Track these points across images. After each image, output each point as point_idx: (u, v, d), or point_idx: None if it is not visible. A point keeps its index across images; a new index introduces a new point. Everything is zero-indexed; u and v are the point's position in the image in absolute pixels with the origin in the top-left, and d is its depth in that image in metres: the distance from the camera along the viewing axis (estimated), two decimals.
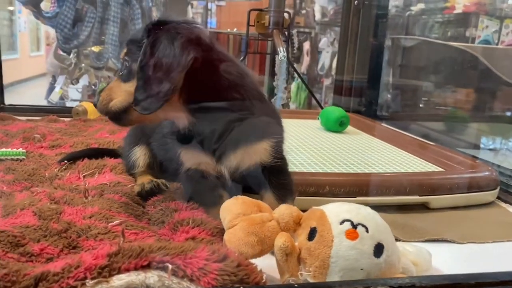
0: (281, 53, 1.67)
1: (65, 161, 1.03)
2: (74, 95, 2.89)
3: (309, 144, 1.43)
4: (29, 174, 0.94)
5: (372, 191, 1.01)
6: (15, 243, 0.67)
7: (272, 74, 2.18)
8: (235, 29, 2.31)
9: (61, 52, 2.45)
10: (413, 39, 2.25)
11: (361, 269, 0.60)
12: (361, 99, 2.11)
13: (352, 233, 0.62)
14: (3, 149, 1.03)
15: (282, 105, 2.20)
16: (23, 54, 8.32)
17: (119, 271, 0.58)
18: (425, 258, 0.72)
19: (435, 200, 1.04)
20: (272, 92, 2.21)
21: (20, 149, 1.06)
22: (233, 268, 0.60)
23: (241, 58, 1.95)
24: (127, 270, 0.58)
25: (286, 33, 1.93)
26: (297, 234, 0.67)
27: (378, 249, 0.62)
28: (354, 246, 0.61)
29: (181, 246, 0.61)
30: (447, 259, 0.81)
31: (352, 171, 1.15)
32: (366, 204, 0.92)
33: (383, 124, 1.75)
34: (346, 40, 2.02)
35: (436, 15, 3.46)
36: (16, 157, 1.04)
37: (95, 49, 2.18)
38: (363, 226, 0.63)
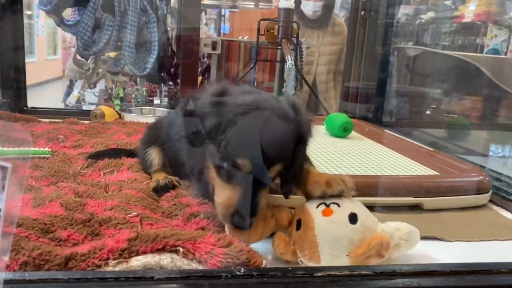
0: (289, 61, 1.76)
1: (90, 159, 1.14)
2: (90, 98, 3.01)
3: (314, 148, 1.51)
4: (54, 171, 1.04)
5: (368, 192, 1.09)
6: (45, 230, 0.76)
7: (282, 81, 2.26)
8: (246, 37, 2.40)
9: (80, 58, 2.56)
10: (415, 48, 2.31)
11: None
12: (368, 106, 2.18)
13: (327, 211, 0.74)
14: (31, 148, 1.12)
15: None
16: (40, 58, 8.55)
17: (137, 253, 0.67)
18: (407, 226, 0.80)
19: (428, 201, 1.11)
20: None
21: (46, 148, 1.15)
22: (236, 252, 0.68)
23: (251, 65, 2.04)
24: (144, 252, 0.67)
25: (295, 42, 2.01)
26: (290, 231, 0.78)
27: (352, 218, 0.73)
28: (331, 219, 0.73)
29: (191, 234, 0.70)
30: (434, 254, 0.88)
31: (352, 173, 1.22)
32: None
33: (386, 131, 1.82)
34: (353, 48, 2.10)
35: (445, 24, 3.51)
36: (43, 155, 1.13)
37: (112, 54, 2.29)
38: (335, 203, 0.74)
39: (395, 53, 2.22)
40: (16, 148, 1.09)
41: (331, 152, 1.47)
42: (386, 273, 0.66)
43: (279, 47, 2.02)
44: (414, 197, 1.11)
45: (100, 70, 2.61)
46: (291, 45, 1.91)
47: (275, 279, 0.63)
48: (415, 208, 1.12)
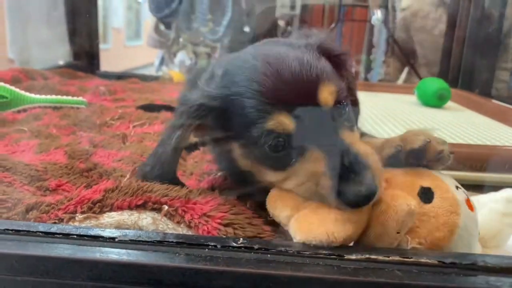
0: (375, 15, 1.49)
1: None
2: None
3: (399, 119, 1.24)
4: (80, 120, 0.94)
5: (475, 165, 0.81)
6: (36, 177, 0.65)
7: (370, 46, 1.98)
8: None
9: (162, 27, 2.50)
10: None
11: None
12: (473, 75, 1.83)
13: (470, 203, 0.50)
14: (64, 97, 1.04)
15: (379, 80, 2.00)
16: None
17: (112, 208, 0.51)
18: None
19: None
20: (368, 66, 2.02)
21: (80, 98, 1.06)
22: (242, 220, 0.50)
23: (332, 26, 1.79)
24: (120, 208, 0.51)
25: None
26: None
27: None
28: (474, 217, 0.49)
29: (185, 190, 0.53)
30: None
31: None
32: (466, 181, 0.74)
33: (496, 101, 1.47)
34: (457, 4, 1.75)
35: None
36: (76, 105, 1.04)
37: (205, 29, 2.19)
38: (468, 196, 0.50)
39: None
40: (49, 96, 1.01)
41: (420, 123, 1.19)
42: (459, 265, 0.42)
43: (366, 4, 1.75)
44: None
45: (181, 40, 2.55)
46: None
47: (283, 257, 0.43)
48: None
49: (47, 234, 0.44)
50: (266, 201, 0.50)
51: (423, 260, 0.43)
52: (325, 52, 0.53)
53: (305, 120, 0.47)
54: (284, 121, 0.47)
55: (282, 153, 0.48)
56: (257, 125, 0.47)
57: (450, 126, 1.17)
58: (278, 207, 0.49)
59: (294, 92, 0.47)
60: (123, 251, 0.42)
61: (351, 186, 0.43)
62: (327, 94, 0.48)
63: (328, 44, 0.54)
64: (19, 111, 0.98)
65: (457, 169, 0.80)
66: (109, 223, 0.50)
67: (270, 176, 0.50)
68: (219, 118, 0.51)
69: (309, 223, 0.44)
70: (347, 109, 0.50)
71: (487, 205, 0.58)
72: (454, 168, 0.76)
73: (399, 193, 0.47)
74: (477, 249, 0.52)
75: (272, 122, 0.46)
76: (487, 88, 1.78)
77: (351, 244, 0.46)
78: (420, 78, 1.71)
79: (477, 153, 0.86)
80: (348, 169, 0.44)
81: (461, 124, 1.19)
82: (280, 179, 0.50)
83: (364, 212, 0.45)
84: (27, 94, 0.99)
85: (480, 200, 0.60)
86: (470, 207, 0.49)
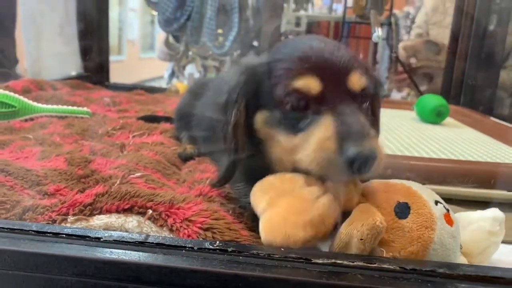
0: (376, 33, 1.52)
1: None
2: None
3: (396, 134, 1.26)
4: (83, 129, 0.98)
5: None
6: (36, 182, 0.69)
7: (374, 62, 2.02)
8: (334, 10, 2.19)
9: (172, 41, 2.57)
10: None
11: None
12: (474, 93, 1.84)
13: (449, 218, 0.51)
14: (69, 107, 1.08)
15: (383, 96, 2.03)
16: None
17: (101, 212, 0.55)
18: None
19: None
20: None
21: (85, 108, 1.11)
22: (221, 225, 0.53)
23: None
24: (109, 211, 0.55)
25: (389, 14, 1.76)
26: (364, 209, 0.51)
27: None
28: (452, 233, 0.51)
29: (169, 195, 0.56)
30: None
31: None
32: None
33: (493, 119, 1.49)
34: (460, 22, 1.78)
35: None
36: (81, 115, 1.09)
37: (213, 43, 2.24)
38: (449, 211, 0.52)
39: None
40: (55, 106, 1.06)
41: (415, 139, 1.21)
42: (420, 271, 0.45)
43: (368, 21, 1.79)
44: (509, 191, 0.84)
45: (190, 53, 2.61)
46: (380, 16, 1.66)
47: (255, 259, 0.46)
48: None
49: (39, 233, 0.48)
50: (251, 193, 0.54)
51: (385, 266, 0.46)
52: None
53: (328, 91, 0.52)
54: (311, 83, 0.52)
55: (300, 115, 0.53)
56: (286, 82, 0.53)
57: (445, 141, 1.19)
58: (258, 198, 0.53)
59: (328, 65, 0.53)
60: (107, 249, 0.46)
61: (355, 146, 0.47)
62: (356, 79, 0.53)
63: (364, 62, 0.60)
64: (26, 120, 1.04)
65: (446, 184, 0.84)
66: (98, 225, 0.54)
67: (283, 141, 0.55)
68: (257, 84, 0.57)
69: (272, 224, 0.48)
70: (367, 104, 0.56)
71: (475, 222, 0.61)
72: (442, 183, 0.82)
73: (370, 208, 0.50)
74: (459, 262, 0.54)
75: (301, 82, 0.52)
76: (489, 106, 1.79)
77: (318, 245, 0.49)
78: (421, 94, 1.73)
79: (464, 168, 0.89)
80: (354, 136, 0.49)
81: (455, 140, 1.21)
82: (291, 146, 0.54)
83: (330, 216, 0.48)
84: (35, 103, 1.05)
85: (468, 217, 0.62)
86: (449, 221, 0.51)
